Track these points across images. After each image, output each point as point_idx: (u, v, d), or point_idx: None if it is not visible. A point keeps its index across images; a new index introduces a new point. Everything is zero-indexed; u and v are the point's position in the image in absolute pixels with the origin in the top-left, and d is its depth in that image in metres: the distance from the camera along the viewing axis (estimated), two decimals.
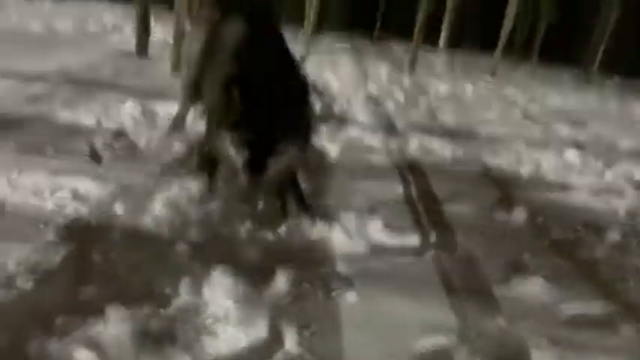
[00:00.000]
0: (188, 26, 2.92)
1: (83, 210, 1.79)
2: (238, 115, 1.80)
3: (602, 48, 11.56)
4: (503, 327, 1.47)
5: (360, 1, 15.43)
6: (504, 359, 1.34)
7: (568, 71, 12.29)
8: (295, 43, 3.43)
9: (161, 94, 3.39)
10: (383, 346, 1.33)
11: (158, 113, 3.05)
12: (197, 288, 1.43)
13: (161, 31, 6.17)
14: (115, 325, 1.22)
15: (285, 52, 1.96)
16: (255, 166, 1.81)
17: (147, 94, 3.52)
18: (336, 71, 6.05)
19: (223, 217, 1.85)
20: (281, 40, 1.98)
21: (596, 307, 1.64)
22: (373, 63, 7.65)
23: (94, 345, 1.17)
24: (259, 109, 1.79)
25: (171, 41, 4.69)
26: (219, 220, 1.83)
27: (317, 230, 1.90)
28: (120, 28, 6.32)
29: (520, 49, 14.49)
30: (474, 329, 1.43)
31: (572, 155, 3.96)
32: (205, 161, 2.03)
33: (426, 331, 1.40)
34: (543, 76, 10.97)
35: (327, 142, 3.02)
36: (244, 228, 1.82)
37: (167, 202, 1.88)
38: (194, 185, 2.02)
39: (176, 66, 4.64)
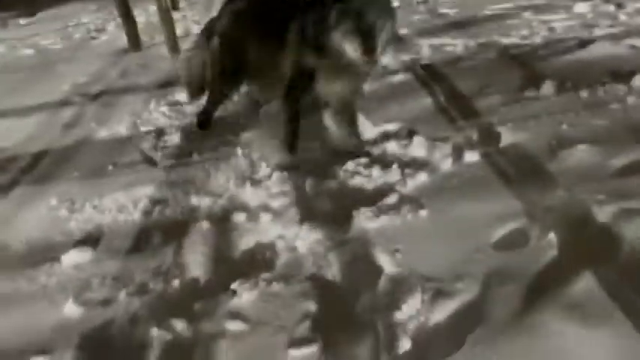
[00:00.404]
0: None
1: (168, 211, 2.00)
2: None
3: None
4: (564, 197, 1.62)
5: None
6: (573, 224, 1.50)
7: None
8: None
9: (174, 82, 3.51)
10: (466, 246, 1.51)
11: (181, 102, 3.18)
12: None
13: (144, 14, 6.18)
14: None
15: None
16: None
17: (161, 86, 3.65)
18: None
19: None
20: None
21: (638, 153, 1.78)
22: None
23: None
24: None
25: (158, 23, 4.72)
26: None
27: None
28: (103, 28, 6.32)
29: None
30: (539, 207, 1.60)
31: (581, 7, 3.91)
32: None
33: (498, 221, 1.58)
34: None
35: None
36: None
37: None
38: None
39: (173, 48, 4.70)
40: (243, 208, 1.95)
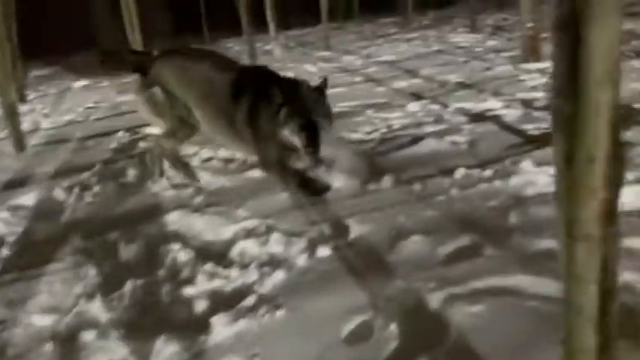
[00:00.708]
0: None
1: (5, 334, 1.81)
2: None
3: None
4: (402, 286, 1.80)
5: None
6: (410, 312, 1.67)
7: (390, 23, 13.36)
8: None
9: (19, 182, 3.29)
10: (319, 344, 1.59)
11: (26, 205, 2.97)
12: None
13: None
14: None
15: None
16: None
17: (3, 188, 3.38)
18: None
19: None
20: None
21: (464, 240, 2.06)
22: None
23: None
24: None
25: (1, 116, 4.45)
26: None
27: None
28: None
29: (343, 14, 15.32)
30: (381, 298, 1.75)
31: (413, 106, 4.51)
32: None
33: (348, 315, 1.69)
34: (371, 33, 11.82)
35: None
36: None
37: None
38: None
39: (19, 145, 4.42)
40: (93, 324, 1.84)
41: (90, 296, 2.00)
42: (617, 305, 0.82)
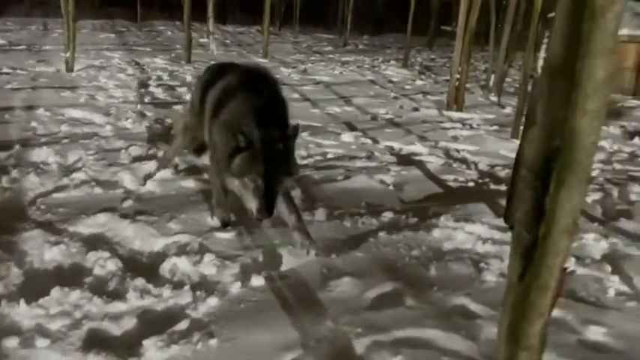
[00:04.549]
0: None
1: None
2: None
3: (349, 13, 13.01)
4: (332, 327, 1.93)
5: None
6: (337, 356, 1.80)
7: (327, 39, 13.67)
8: None
9: None
10: None
11: None
12: None
13: None
14: None
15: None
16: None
17: None
18: None
19: None
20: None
21: (388, 286, 2.24)
22: None
23: None
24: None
25: None
26: None
27: None
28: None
29: (281, 20, 15.41)
30: (312, 338, 1.87)
31: (347, 136, 4.71)
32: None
33: (278, 352, 1.78)
34: (307, 47, 12.01)
35: None
36: None
37: None
38: None
39: None
40: (15, 331, 1.78)
41: (14, 299, 1.91)
42: None
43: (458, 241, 2.68)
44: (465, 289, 2.22)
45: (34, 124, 4.31)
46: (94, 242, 2.48)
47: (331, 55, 11.00)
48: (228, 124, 2.41)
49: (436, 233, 2.74)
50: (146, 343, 1.78)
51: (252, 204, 2.27)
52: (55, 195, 2.98)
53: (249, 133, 2.24)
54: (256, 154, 2.23)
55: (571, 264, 2.37)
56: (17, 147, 3.60)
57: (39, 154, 3.52)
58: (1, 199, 2.87)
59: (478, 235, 2.72)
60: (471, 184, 3.71)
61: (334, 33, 14.84)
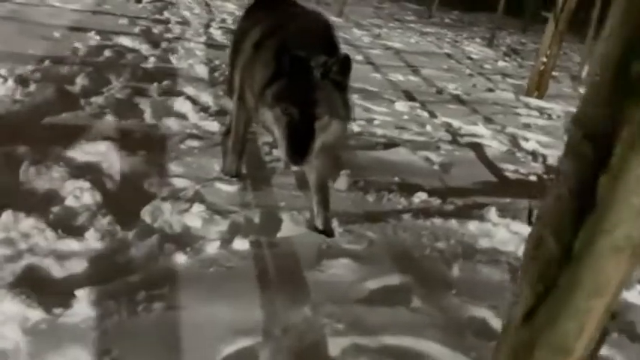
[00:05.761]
0: None
1: None
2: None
3: None
4: (309, 316, 1.56)
5: None
6: (304, 353, 1.43)
7: (413, 9, 12.91)
8: None
9: None
10: None
11: None
12: None
13: None
14: None
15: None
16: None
17: None
18: None
19: None
20: None
21: (394, 279, 1.82)
22: None
23: None
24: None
25: None
26: None
27: None
28: None
29: None
30: (279, 325, 1.50)
31: (401, 105, 4.22)
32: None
33: (233, 335, 1.44)
34: (389, 14, 11.37)
35: None
36: None
37: None
38: None
39: None
40: None
41: None
42: None
43: (497, 239, 2.20)
44: (491, 299, 1.76)
45: (77, 44, 4.15)
46: (82, 170, 2.23)
47: (412, 25, 10.28)
48: (271, 48, 1.95)
49: (472, 226, 2.26)
50: (79, 293, 1.48)
51: (282, 145, 1.81)
52: (64, 115, 2.77)
53: (294, 56, 1.80)
54: (297, 81, 1.79)
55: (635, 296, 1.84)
56: (47, 62, 3.43)
57: (66, 73, 3.34)
58: (7, 111, 2.69)
59: (524, 238, 2.21)
60: (533, 177, 3.15)
61: (422, 4, 13.97)
